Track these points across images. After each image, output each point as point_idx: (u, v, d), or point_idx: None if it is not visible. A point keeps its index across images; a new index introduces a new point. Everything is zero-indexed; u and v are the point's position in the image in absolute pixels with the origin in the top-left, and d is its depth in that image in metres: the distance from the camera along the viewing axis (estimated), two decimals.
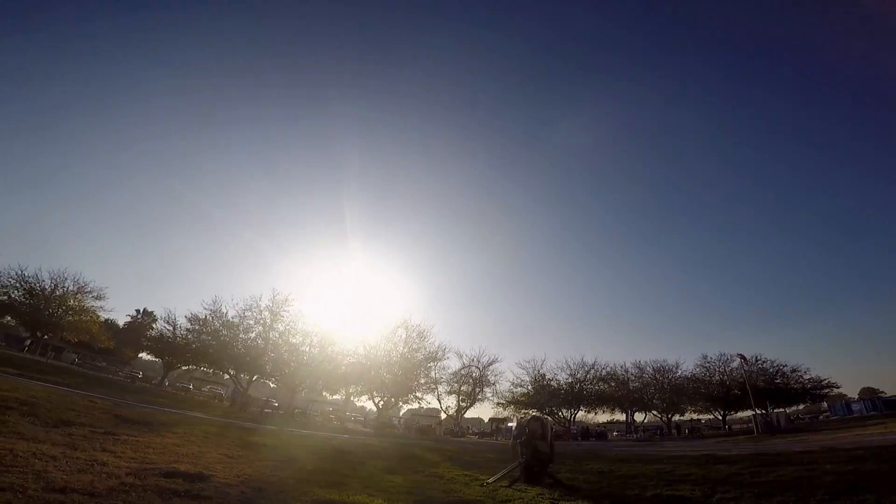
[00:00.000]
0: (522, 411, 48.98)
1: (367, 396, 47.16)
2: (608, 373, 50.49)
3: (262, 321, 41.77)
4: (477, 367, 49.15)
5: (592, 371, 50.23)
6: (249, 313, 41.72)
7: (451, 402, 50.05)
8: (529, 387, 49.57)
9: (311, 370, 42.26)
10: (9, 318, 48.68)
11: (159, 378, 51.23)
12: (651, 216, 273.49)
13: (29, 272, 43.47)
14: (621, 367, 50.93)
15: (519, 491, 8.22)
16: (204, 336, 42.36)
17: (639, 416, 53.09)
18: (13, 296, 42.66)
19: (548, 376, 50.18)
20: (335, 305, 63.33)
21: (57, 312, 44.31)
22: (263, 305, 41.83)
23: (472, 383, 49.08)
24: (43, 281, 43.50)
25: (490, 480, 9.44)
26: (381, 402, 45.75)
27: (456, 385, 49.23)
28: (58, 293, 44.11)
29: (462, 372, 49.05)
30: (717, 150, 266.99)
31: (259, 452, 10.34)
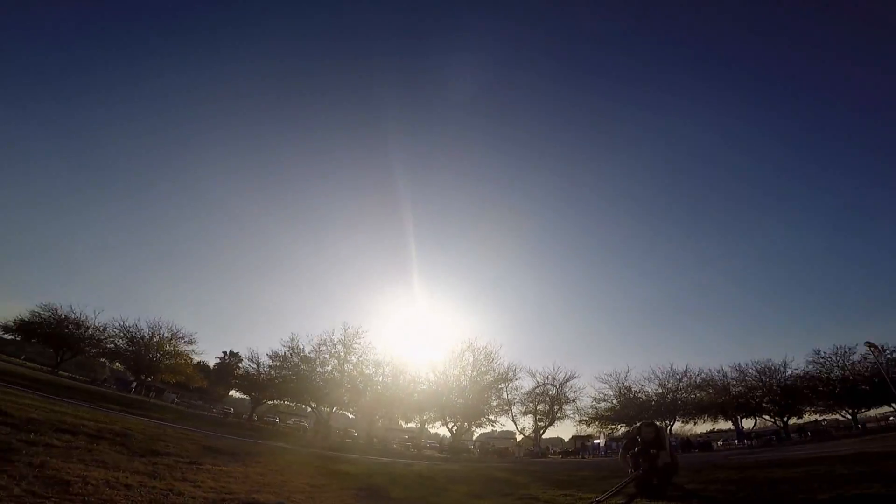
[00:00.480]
0: (609, 427, 45.34)
1: (440, 422, 46.72)
2: (704, 379, 45.43)
3: (336, 354, 43.93)
4: (553, 385, 46.41)
5: (685, 379, 45.46)
6: (324, 347, 44.10)
7: (527, 422, 47.58)
8: (614, 401, 45.71)
9: (386, 399, 43.38)
10: (117, 363, 55.35)
11: (248, 413, 54.41)
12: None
13: (129, 322, 49.42)
14: (718, 371, 45.56)
15: None
16: (285, 371, 45.11)
17: (747, 423, 46.95)
18: (119, 344, 48.48)
19: (634, 389, 46.03)
20: (403, 334, 65.02)
21: (156, 357, 49.27)
22: (336, 339, 44.09)
23: (549, 402, 46.31)
24: (142, 330, 49.09)
25: (600, 498, 8.07)
26: (455, 427, 44.81)
27: (531, 405, 46.74)
28: (155, 340, 49.26)
29: (537, 391, 46.59)
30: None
31: (342, 481, 9.95)
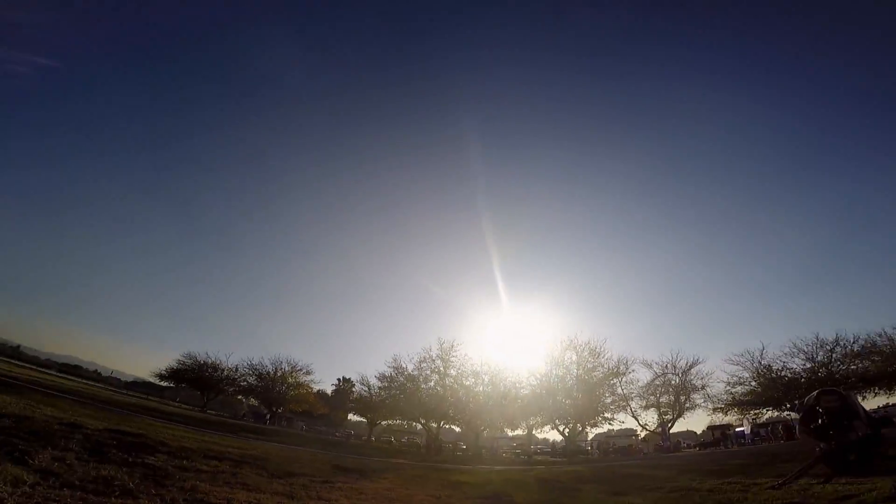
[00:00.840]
0: (753, 412, 39.19)
1: (549, 426, 44.69)
2: (863, 346, 37.22)
3: (436, 370, 44.87)
4: (674, 374, 41.68)
5: (837, 349, 37.70)
6: (424, 364, 45.25)
7: (649, 417, 43.26)
8: (752, 383, 39.51)
9: (489, 408, 43.04)
10: (251, 399, 62.66)
11: (367, 434, 57.76)
12: None
13: (255, 361, 55.78)
14: (880, 335, 37.02)
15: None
16: (393, 391, 47.12)
17: None
18: (249, 381, 54.99)
19: (774, 367, 39.37)
20: (497, 342, 64.75)
21: (281, 389, 54.68)
22: (434, 354, 44.90)
23: (674, 392, 41.64)
24: (266, 366, 54.91)
25: (783, 481, 6.72)
26: (567, 430, 42.46)
27: (652, 397, 42.37)
28: (279, 374, 54.73)
29: (656, 382, 42.17)
30: None
31: (464, 490, 10.04)
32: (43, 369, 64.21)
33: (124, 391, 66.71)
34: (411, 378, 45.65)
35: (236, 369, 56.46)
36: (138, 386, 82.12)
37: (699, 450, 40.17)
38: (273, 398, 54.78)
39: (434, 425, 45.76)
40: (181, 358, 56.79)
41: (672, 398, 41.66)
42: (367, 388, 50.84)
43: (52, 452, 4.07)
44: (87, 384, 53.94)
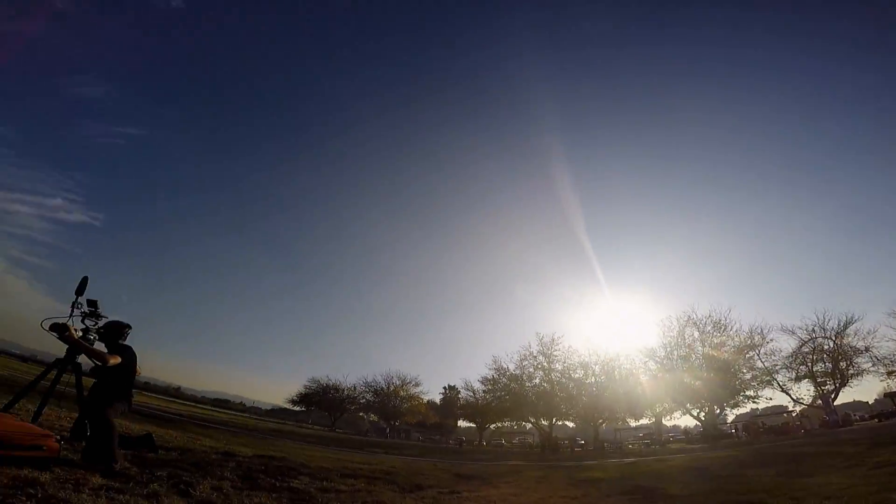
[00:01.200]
0: None
1: (680, 412, 40.48)
2: None
3: (540, 366, 43.62)
4: (825, 337, 35.08)
5: None
6: (526, 362, 44.31)
7: (803, 390, 36.94)
8: None
9: (604, 399, 40.58)
10: (371, 415, 67.41)
11: (478, 439, 58.21)
12: None
13: (369, 379, 60.19)
14: None
15: None
16: (497, 393, 47.00)
17: None
18: (367, 398, 59.13)
19: None
20: (603, 330, 61.74)
21: (395, 403, 57.85)
22: (535, 351, 43.71)
23: (830, 358, 34.99)
24: (379, 382, 58.59)
25: None
26: (702, 413, 38.00)
27: (804, 367, 36.06)
28: (391, 388, 58.06)
29: (804, 350, 35.86)
30: None
31: (599, 487, 9.40)
32: (199, 405, 75.61)
33: (265, 418, 75.80)
34: (514, 378, 45.01)
35: (354, 388, 61.70)
36: (276, 413, 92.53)
37: (879, 421, 33.19)
38: (389, 412, 58.23)
39: (545, 423, 44.71)
40: (307, 383, 63.69)
41: (828, 365, 35.12)
42: (472, 394, 51.63)
43: (210, 482, 4.43)
44: (235, 415, 62.35)
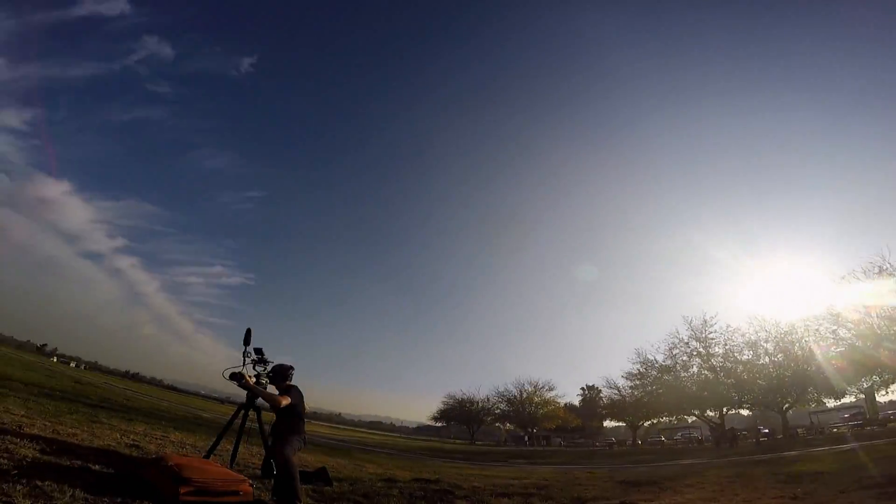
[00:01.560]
0: None
1: None
2: None
3: (696, 353, 38.65)
4: None
5: None
6: (677, 351, 39.63)
7: None
8: None
9: (786, 380, 33.89)
10: (507, 424, 67.49)
11: (631, 438, 53.60)
12: None
13: (501, 388, 60.40)
14: None
15: None
16: (648, 388, 43.23)
17: None
18: (502, 408, 59.33)
19: None
20: (766, 300, 51.82)
21: (530, 410, 56.76)
22: (686, 336, 38.67)
23: None
24: (511, 391, 58.51)
25: None
26: None
27: None
28: (524, 396, 57.35)
29: None
30: None
31: (823, 483, 7.79)
32: (358, 428, 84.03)
33: (412, 436, 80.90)
34: (666, 369, 40.58)
35: (488, 399, 62.51)
36: (421, 430, 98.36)
37: None
38: (525, 419, 57.37)
39: (711, 414, 39.54)
40: (444, 399, 66.75)
41: None
42: (616, 391, 48.13)
43: None
44: (387, 435, 67.78)
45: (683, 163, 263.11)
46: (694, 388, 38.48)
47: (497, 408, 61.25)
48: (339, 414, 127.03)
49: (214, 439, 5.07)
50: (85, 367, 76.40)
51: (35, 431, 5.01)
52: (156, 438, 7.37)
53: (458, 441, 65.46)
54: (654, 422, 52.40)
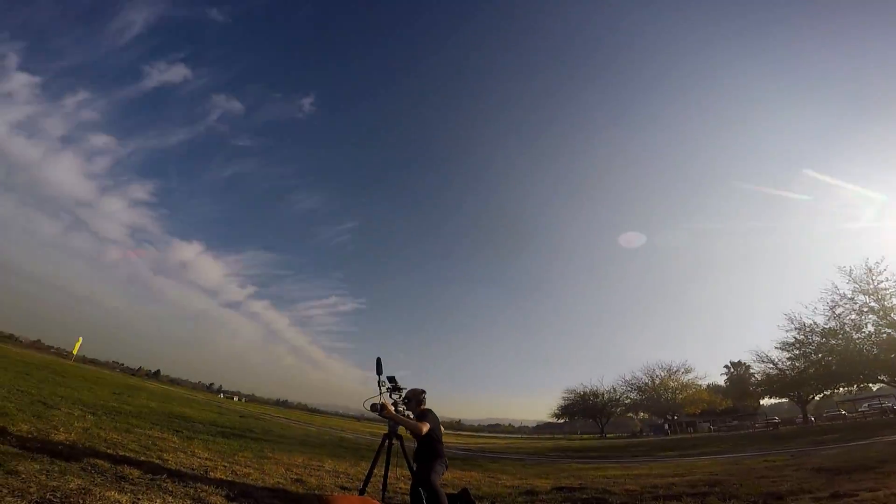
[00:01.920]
0: None
1: None
2: None
3: (865, 308, 31.99)
4: None
5: None
6: (840, 309, 33.28)
7: None
8: None
9: None
10: (641, 413, 62.29)
11: (800, 416, 46.09)
12: None
13: (628, 377, 55.93)
14: None
15: None
16: (812, 357, 36.95)
17: None
18: (632, 397, 55.10)
19: None
20: None
21: (667, 396, 51.71)
22: (850, 290, 32.24)
23: None
24: (640, 378, 54.15)
25: None
26: None
27: None
28: (657, 382, 52.61)
29: None
30: None
31: None
32: (478, 433, 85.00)
33: (535, 436, 79.13)
34: (831, 332, 34.03)
35: (614, 390, 58.48)
36: (542, 429, 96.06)
37: None
38: (664, 407, 52.43)
39: None
40: (564, 394, 64.13)
41: None
42: (772, 365, 41.71)
43: None
44: (510, 437, 67.09)
45: None
46: (875, 350, 31.69)
47: (627, 397, 56.91)
48: (459, 421, 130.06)
49: (367, 472, 5.23)
50: (245, 400, 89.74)
51: (218, 476, 5.59)
52: (314, 469, 7.92)
53: (585, 436, 62.28)
54: (828, 393, 44.40)
